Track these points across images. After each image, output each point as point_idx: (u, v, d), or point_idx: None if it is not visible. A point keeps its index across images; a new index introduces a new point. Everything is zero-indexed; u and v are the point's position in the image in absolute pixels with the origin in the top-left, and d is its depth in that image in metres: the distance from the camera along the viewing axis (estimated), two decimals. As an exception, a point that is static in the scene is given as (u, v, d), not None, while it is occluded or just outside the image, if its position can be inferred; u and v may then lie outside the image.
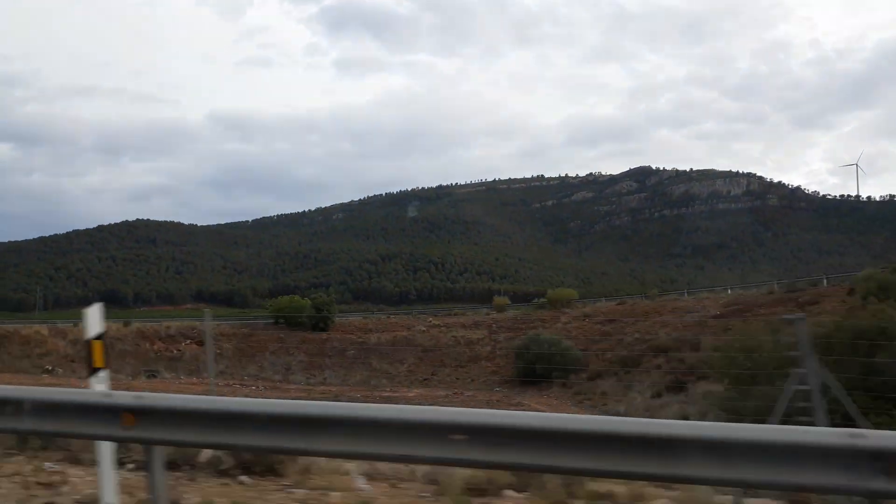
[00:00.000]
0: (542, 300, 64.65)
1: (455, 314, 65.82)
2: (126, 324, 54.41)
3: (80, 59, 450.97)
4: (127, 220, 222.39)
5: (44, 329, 48.65)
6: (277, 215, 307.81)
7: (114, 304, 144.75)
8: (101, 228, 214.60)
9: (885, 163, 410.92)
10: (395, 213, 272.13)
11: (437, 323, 58.13)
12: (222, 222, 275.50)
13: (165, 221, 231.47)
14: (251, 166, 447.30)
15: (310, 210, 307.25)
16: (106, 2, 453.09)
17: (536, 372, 40.21)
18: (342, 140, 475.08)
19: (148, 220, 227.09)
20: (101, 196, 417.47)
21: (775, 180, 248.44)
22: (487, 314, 61.83)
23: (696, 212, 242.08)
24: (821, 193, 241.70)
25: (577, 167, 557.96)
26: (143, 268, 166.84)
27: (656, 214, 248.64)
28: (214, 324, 57.56)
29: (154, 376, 36.69)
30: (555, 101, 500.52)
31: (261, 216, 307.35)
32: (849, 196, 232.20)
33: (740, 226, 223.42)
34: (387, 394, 34.16)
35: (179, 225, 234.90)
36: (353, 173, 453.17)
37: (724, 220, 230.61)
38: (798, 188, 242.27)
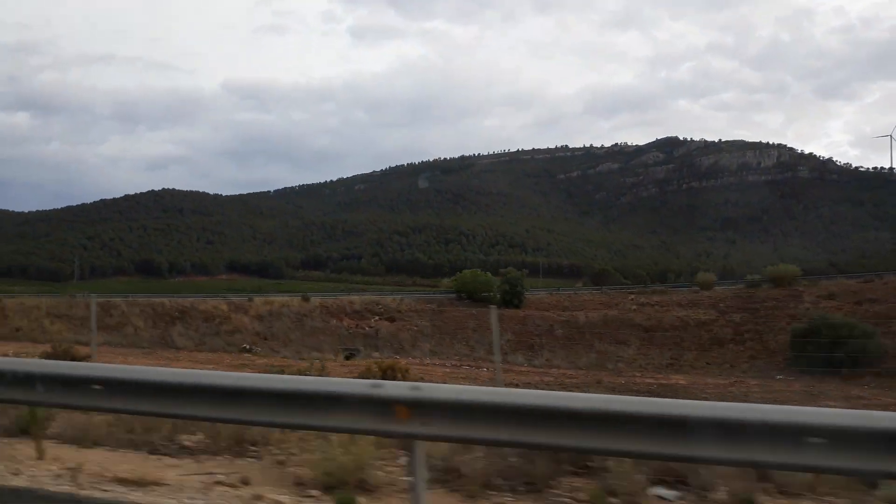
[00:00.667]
0: (755, 277, 57.33)
1: (656, 292, 59.23)
2: (305, 298, 51.68)
3: (97, 27, 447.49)
4: (153, 190, 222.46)
5: (222, 304, 45.88)
6: (299, 185, 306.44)
7: (149, 274, 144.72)
8: (127, 198, 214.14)
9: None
10: (418, 184, 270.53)
11: (646, 301, 51.95)
12: (244, 192, 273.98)
13: (191, 191, 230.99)
14: (267, 135, 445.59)
15: (331, 181, 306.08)
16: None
17: (834, 360, 33.24)
18: (357, 109, 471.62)
19: (174, 189, 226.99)
20: (118, 165, 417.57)
21: (806, 151, 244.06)
22: (696, 292, 55.90)
23: (724, 183, 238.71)
24: (853, 165, 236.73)
25: (594, 137, 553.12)
26: (173, 237, 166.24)
27: (684, 186, 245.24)
28: (397, 298, 54.98)
29: (353, 356, 34.01)
30: (573, 70, 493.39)
31: (282, 186, 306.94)
32: (882, 168, 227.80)
33: (771, 198, 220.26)
34: (647, 380, 28.73)
35: (205, 195, 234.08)
36: (368, 142, 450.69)
37: (753, 192, 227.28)
38: (829, 160, 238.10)
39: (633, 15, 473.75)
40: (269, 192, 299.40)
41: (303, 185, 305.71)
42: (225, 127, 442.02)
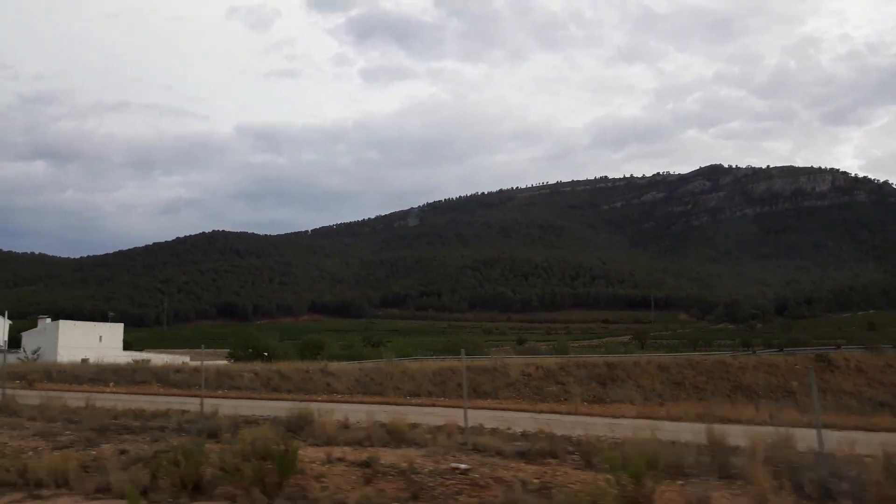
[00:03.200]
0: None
1: None
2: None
3: (112, 76, 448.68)
4: (204, 232, 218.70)
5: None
6: (336, 225, 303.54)
7: (231, 316, 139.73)
8: (180, 241, 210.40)
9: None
10: (459, 219, 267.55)
11: None
12: (278, 233, 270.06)
13: (241, 233, 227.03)
14: (279, 177, 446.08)
15: (369, 218, 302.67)
16: (136, 18, 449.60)
17: None
18: (369, 149, 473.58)
19: (224, 231, 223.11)
20: (132, 210, 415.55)
21: (860, 175, 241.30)
22: None
23: (781, 210, 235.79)
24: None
25: (603, 168, 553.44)
26: (246, 279, 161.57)
27: (738, 214, 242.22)
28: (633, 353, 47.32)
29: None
30: (581, 104, 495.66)
31: (320, 226, 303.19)
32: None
33: (831, 224, 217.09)
34: None
35: (254, 236, 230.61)
36: (380, 181, 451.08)
37: (813, 217, 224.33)
38: (886, 182, 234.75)
39: (640, 48, 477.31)
40: (307, 231, 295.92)
41: (340, 223, 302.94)
42: (238, 170, 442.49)
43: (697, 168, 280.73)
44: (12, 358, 33.09)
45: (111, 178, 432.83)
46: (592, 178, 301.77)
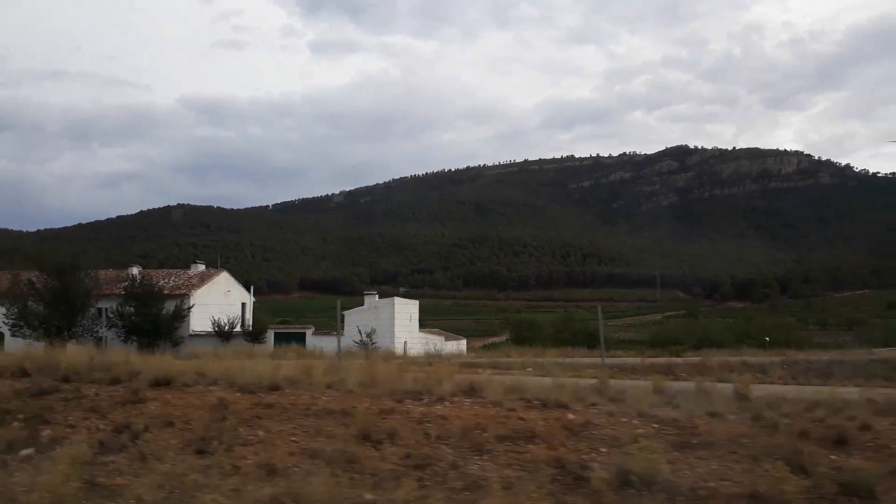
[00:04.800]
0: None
1: None
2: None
3: (50, 44, 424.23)
4: (169, 205, 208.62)
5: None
6: (298, 200, 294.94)
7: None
8: (143, 213, 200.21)
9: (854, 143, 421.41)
10: (426, 196, 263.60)
11: None
12: (239, 207, 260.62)
13: (206, 206, 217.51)
14: (225, 151, 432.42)
15: (333, 193, 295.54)
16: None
17: None
18: (318, 124, 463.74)
19: (190, 204, 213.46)
20: (70, 183, 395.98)
21: (823, 158, 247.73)
22: None
23: (748, 191, 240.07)
24: (870, 171, 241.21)
25: (551, 150, 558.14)
26: (227, 254, 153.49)
27: (706, 194, 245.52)
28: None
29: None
30: (532, 84, 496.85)
31: (278, 201, 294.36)
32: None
33: (799, 204, 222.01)
34: None
35: (221, 209, 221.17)
36: (329, 157, 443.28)
37: (780, 198, 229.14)
38: (847, 166, 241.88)
39: (591, 30, 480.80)
40: (267, 206, 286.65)
41: (301, 199, 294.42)
42: (181, 143, 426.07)
43: (664, 149, 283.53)
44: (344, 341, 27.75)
45: (46, 148, 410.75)
46: (559, 156, 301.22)
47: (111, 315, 35.81)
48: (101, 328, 35.40)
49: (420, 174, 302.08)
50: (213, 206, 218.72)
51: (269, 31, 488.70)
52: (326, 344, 30.43)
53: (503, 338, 60.55)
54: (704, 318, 70.85)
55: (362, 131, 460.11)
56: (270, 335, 38.47)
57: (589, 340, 32.34)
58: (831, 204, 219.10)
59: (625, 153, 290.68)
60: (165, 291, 37.94)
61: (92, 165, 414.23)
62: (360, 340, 33.02)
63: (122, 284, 37.57)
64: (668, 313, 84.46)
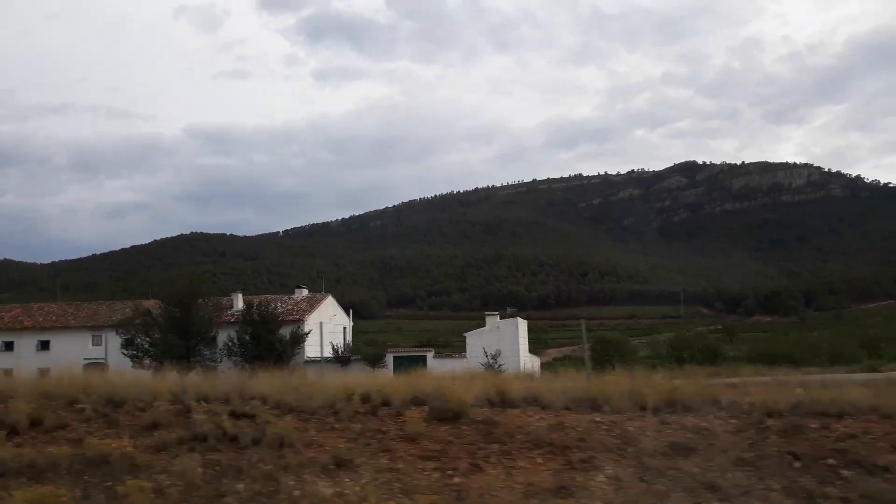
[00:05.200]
0: None
1: None
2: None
3: (55, 77, 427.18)
4: (183, 234, 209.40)
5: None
6: (308, 225, 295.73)
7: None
8: (158, 242, 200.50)
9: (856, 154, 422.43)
10: (438, 218, 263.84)
11: None
12: (250, 234, 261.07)
13: (220, 234, 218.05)
14: (229, 179, 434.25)
15: (345, 218, 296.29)
16: (81, 18, 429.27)
17: None
18: (322, 150, 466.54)
19: (203, 232, 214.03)
20: (78, 214, 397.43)
21: (833, 170, 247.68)
22: None
23: (759, 205, 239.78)
24: (881, 182, 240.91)
25: (555, 169, 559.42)
26: (245, 281, 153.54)
27: (717, 209, 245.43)
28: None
29: None
30: (534, 104, 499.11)
31: (291, 227, 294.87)
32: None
33: (811, 217, 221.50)
34: None
35: (234, 237, 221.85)
36: (334, 182, 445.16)
37: (792, 211, 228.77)
38: (858, 177, 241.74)
39: (591, 49, 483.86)
40: (278, 232, 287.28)
41: (313, 224, 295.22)
42: (186, 172, 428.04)
43: (672, 165, 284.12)
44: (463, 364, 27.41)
45: (54, 181, 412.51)
46: (567, 175, 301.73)
47: (230, 342, 35.84)
48: (220, 356, 35.49)
49: (428, 196, 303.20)
50: (226, 234, 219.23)
51: (273, 60, 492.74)
52: (450, 367, 30.07)
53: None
54: (743, 332, 70.00)
55: (366, 156, 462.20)
56: (390, 359, 38.21)
57: (710, 358, 31.72)
58: (843, 216, 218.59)
59: (633, 170, 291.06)
60: (279, 318, 38.06)
61: (98, 196, 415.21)
62: (487, 362, 32.60)
63: (228, 311, 37.68)
64: (699, 328, 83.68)
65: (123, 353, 35.92)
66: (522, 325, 41.42)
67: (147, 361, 33.23)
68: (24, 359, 37.09)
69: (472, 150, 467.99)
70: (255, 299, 40.64)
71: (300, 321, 39.01)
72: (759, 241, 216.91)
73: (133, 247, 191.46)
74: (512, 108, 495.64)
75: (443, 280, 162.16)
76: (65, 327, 44.42)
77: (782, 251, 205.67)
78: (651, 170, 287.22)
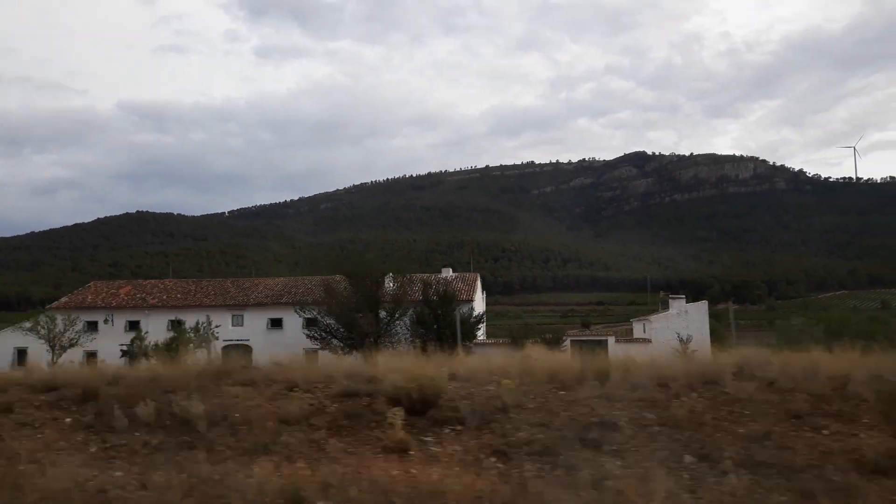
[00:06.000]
0: None
1: None
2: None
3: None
4: (128, 213, 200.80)
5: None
6: (255, 206, 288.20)
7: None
8: (101, 221, 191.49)
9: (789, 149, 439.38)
10: (389, 202, 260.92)
11: None
12: (196, 214, 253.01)
13: (167, 213, 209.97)
14: (166, 157, 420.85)
15: (293, 199, 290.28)
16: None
17: None
18: (262, 130, 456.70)
19: (149, 212, 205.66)
20: (3, 190, 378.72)
21: (778, 164, 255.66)
22: None
23: (707, 196, 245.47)
24: (822, 176, 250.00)
25: (499, 156, 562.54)
26: (200, 263, 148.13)
27: (667, 199, 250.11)
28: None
29: None
30: (478, 91, 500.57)
31: (235, 208, 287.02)
32: (850, 178, 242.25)
33: (758, 208, 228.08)
34: None
35: (182, 216, 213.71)
36: (274, 163, 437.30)
37: (739, 202, 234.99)
38: (801, 171, 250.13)
39: (536, 38, 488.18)
40: (223, 213, 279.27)
41: (260, 205, 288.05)
42: (120, 149, 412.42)
43: (622, 155, 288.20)
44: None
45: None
46: (520, 162, 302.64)
47: (409, 321, 33.39)
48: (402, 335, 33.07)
49: (380, 180, 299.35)
50: (173, 214, 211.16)
51: (213, 35, 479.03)
52: (634, 352, 28.23)
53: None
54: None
55: (308, 137, 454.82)
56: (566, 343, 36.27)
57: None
58: (787, 208, 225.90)
59: (584, 159, 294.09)
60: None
61: (25, 172, 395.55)
62: (679, 347, 30.86)
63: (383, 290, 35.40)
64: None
65: (306, 334, 33.47)
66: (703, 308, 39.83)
67: (335, 343, 31.39)
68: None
69: (417, 135, 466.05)
70: (413, 278, 38.00)
71: (471, 301, 37.06)
72: (709, 231, 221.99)
73: (76, 225, 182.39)
74: (457, 94, 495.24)
75: (406, 265, 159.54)
76: (199, 306, 39.86)
77: (731, 242, 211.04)
78: (601, 159, 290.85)
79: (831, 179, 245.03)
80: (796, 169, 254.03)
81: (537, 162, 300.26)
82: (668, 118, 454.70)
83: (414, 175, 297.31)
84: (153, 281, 48.01)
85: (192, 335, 29.11)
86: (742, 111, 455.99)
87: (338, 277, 35.52)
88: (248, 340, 37.11)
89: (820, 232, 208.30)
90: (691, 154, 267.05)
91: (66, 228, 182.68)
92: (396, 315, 33.20)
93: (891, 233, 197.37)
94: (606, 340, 36.42)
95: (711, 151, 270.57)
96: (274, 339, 36.20)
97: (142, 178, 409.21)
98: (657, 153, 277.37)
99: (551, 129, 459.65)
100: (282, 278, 46.48)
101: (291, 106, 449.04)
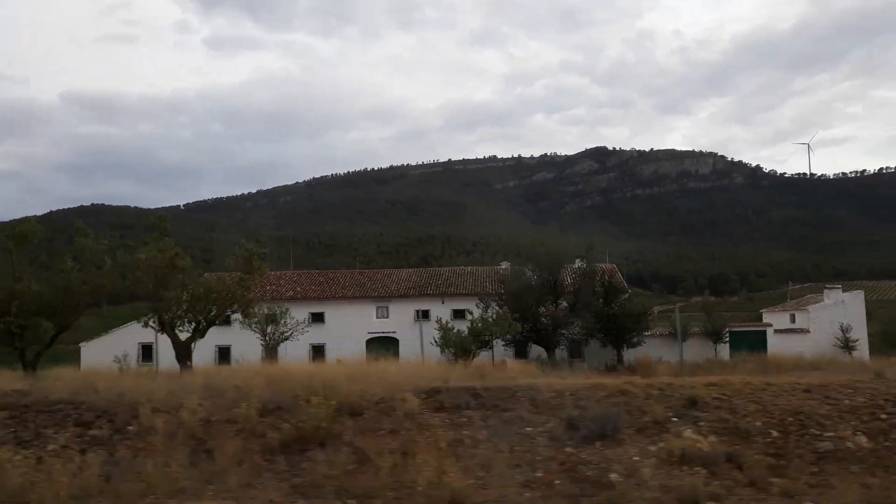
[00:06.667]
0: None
1: None
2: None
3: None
4: (83, 205, 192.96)
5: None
6: (212, 199, 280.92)
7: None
8: (55, 213, 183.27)
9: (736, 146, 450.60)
10: (351, 196, 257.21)
11: None
12: (150, 207, 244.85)
13: (123, 206, 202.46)
14: (113, 149, 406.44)
15: (251, 192, 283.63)
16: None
17: None
18: (213, 122, 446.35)
19: (105, 204, 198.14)
20: None
21: (736, 159, 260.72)
22: None
23: (668, 191, 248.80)
24: (778, 172, 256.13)
25: (460, 151, 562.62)
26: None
27: (629, 194, 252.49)
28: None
29: None
30: (434, 86, 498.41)
31: (193, 200, 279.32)
32: (804, 174, 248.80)
33: (718, 204, 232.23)
34: None
35: (138, 209, 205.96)
36: (226, 157, 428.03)
37: (700, 198, 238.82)
38: (758, 167, 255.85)
39: (492, 33, 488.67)
40: (179, 206, 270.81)
41: (217, 198, 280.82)
42: (63, 141, 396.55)
43: (583, 150, 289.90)
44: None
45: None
46: (482, 157, 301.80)
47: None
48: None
49: (340, 173, 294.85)
50: (130, 206, 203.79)
51: (162, 26, 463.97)
52: (795, 345, 26.47)
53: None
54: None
55: (261, 130, 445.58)
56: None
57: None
58: (747, 203, 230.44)
59: (545, 154, 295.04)
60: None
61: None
62: (843, 341, 29.17)
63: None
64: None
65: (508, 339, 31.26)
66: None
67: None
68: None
69: (372, 129, 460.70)
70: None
71: (627, 291, 35.76)
72: (671, 226, 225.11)
73: (25, 217, 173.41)
74: (413, 88, 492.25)
75: (377, 259, 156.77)
76: (339, 298, 38.62)
77: (695, 236, 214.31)
78: (563, 154, 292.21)
79: (787, 175, 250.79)
80: (753, 165, 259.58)
81: (499, 156, 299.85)
82: (621, 115, 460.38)
83: (375, 168, 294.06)
84: (274, 273, 44.58)
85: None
86: (693, 108, 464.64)
87: (502, 267, 34.34)
88: (394, 332, 36.32)
89: (779, 226, 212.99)
90: (651, 150, 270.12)
91: (13, 220, 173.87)
92: (576, 307, 31.27)
93: (847, 227, 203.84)
94: (764, 331, 35.15)
95: (668, 147, 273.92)
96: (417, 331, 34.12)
97: (88, 169, 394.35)
98: (617, 148, 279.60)
99: (507, 124, 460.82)
100: (411, 269, 46.79)
101: (244, 98, 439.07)
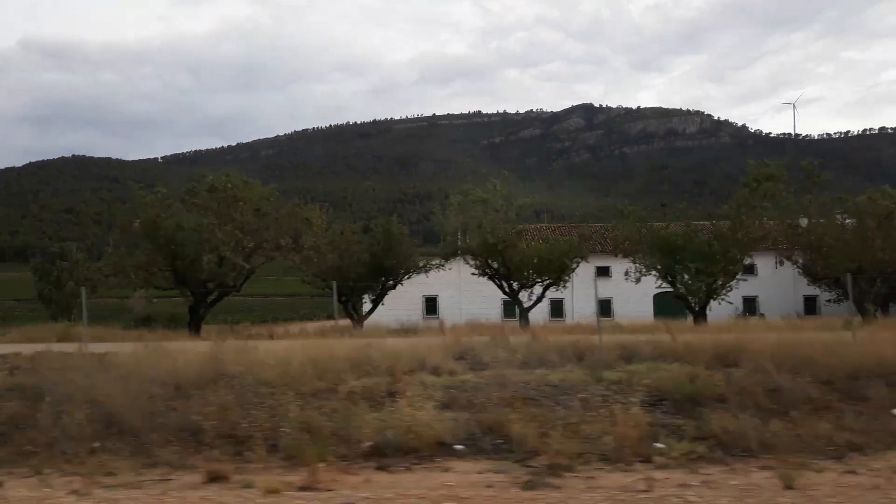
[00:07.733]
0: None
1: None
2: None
3: None
4: (63, 157, 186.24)
5: None
6: (191, 151, 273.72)
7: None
8: (36, 165, 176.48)
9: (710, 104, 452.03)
10: (336, 150, 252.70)
11: None
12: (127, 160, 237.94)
13: (105, 158, 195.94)
14: (74, 100, 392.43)
15: (231, 146, 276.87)
16: None
17: None
18: (180, 72, 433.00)
19: (86, 156, 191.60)
20: None
21: (722, 118, 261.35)
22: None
23: (657, 149, 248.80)
24: (764, 132, 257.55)
25: (429, 106, 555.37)
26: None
27: (616, 152, 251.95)
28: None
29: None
30: (406, 37, 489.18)
31: (171, 153, 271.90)
32: (790, 134, 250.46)
33: (706, 162, 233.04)
34: None
35: (121, 161, 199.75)
36: (194, 108, 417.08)
37: (688, 157, 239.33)
38: (744, 126, 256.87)
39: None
40: (156, 159, 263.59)
41: (196, 150, 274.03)
42: (22, 90, 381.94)
43: (570, 106, 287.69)
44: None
45: None
46: (468, 111, 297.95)
47: None
48: None
49: (323, 126, 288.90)
50: (112, 158, 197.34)
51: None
52: None
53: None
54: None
55: (228, 81, 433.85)
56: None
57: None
58: (735, 162, 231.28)
59: (531, 110, 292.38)
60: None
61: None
62: None
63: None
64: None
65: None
66: None
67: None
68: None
69: (342, 81, 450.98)
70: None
71: None
72: (660, 185, 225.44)
73: (8, 168, 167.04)
74: (384, 39, 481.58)
75: (376, 215, 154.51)
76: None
77: (683, 195, 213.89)
78: (549, 110, 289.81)
79: (772, 135, 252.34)
80: (739, 124, 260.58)
81: (484, 112, 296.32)
82: (595, 71, 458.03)
83: (359, 122, 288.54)
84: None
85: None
86: (667, 66, 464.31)
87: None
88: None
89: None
90: (639, 107, 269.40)
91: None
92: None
93: (834, 188, 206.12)
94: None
95: (655, 105, 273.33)
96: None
97: (49, 121, 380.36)
98: (604, 105, 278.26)
99: (482, 79, 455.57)
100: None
101: (210, 48, 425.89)
